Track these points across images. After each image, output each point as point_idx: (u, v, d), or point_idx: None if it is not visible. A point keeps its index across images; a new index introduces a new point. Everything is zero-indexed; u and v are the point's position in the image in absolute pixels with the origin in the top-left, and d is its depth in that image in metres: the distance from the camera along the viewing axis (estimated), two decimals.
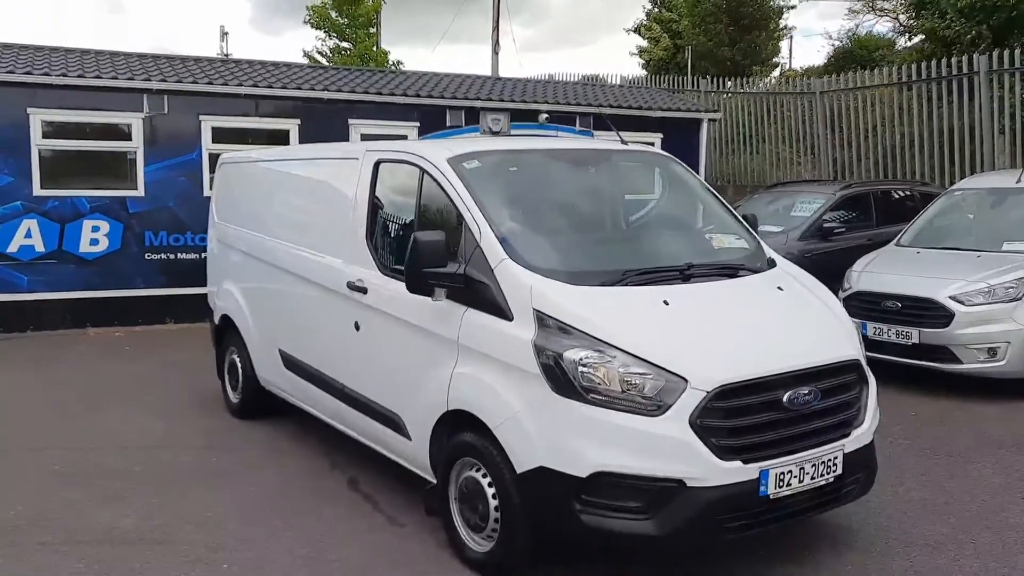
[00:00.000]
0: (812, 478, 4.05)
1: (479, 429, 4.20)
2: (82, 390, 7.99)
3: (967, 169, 13.13)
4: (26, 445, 6.38)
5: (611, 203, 5.19)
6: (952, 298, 7.52)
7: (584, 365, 3.85)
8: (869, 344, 8.03)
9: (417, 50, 75.33)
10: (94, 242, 11.10)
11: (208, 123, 11.56)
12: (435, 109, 13.14)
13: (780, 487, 3.94)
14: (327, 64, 19.97)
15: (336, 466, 5.89)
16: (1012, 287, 7.49)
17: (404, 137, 13.26)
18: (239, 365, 6.89)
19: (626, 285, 4.28)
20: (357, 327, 5.16)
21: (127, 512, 5.13)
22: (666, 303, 4.16)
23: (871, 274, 8.34)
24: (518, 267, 4.21)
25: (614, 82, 21.71)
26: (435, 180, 4.70)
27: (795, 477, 3.98)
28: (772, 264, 4.94)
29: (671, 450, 3.75)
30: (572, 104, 14.12)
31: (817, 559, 4.50)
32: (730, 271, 4.71)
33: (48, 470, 5.85)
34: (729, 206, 5.38)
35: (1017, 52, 12.68)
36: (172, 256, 11.45)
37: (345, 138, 12.61)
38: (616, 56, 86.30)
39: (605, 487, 3.79)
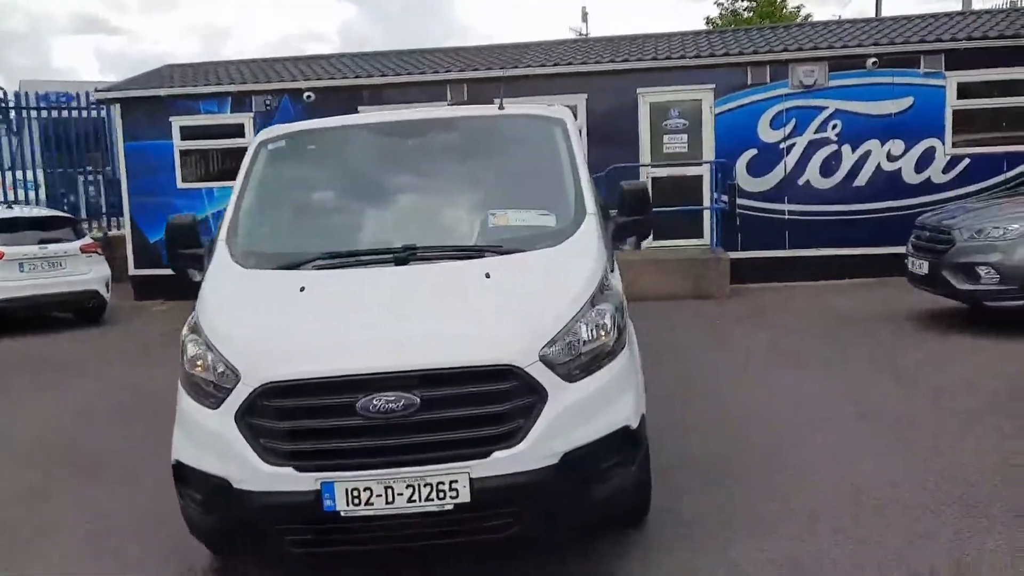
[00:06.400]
0: (411, 500, 3.38)
1: None
2: None
3: None
4: None
5: (404, 180, 4.63)
6: None
7: (183, 351, 3.79)
8: None
9: None
10: None
11: None
12: (734, 68, 12.14)
13: (355, 504, 3.39)
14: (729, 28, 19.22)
15: None
16: None
17: (698, 102, 12.47)
18: None
19: (312, 269, 4.02)
20: None
21: None
22: (302, 289, 3.82)
23: None
24: (223, 248, 4.23)
25: None
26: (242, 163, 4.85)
27: (378, 496, 3.38)
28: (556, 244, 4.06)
29: (218, 447, 3.53)
30: (913, 43, 11.79)
31: None
32: (472, 253, 4.04)
33: None
34: (581, 180, 4.41)
35: None
36: None
37: (634, 110, 12.39)
38: None
39: (186, 478, 3.72)
